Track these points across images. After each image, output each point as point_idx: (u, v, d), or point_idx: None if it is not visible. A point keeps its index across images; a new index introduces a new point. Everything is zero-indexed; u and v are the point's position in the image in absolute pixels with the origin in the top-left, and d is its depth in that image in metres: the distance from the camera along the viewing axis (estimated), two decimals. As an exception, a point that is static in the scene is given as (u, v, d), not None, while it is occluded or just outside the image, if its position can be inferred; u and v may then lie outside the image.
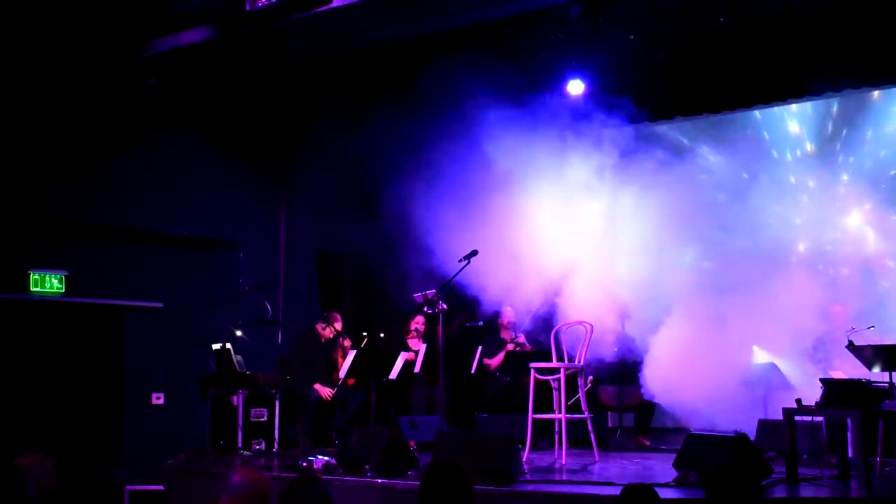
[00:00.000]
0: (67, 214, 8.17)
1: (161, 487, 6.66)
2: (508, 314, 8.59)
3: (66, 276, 8.36)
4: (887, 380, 6.20)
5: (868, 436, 5.45)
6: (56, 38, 7.68)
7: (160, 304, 8.84)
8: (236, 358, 7.99)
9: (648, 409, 8.14)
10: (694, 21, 8.19)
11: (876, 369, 6.38)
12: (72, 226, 8.33)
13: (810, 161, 9.20)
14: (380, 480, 5.74)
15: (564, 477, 6.08)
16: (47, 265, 8.29)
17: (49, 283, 8.29)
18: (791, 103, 8.97)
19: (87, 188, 8.24)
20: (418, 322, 8.66)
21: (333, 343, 8.50)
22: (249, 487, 3.65)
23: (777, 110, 9.26)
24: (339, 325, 8.47)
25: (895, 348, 6.30)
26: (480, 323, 8.85)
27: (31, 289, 8.18)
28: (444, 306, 7.26)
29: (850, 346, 6.54)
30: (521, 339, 8.38)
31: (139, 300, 8.74)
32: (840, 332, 6.91)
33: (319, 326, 8.54)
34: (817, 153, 9.28)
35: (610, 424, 8.52)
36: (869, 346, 6.48)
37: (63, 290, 8.32)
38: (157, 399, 8.81)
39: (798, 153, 9.36)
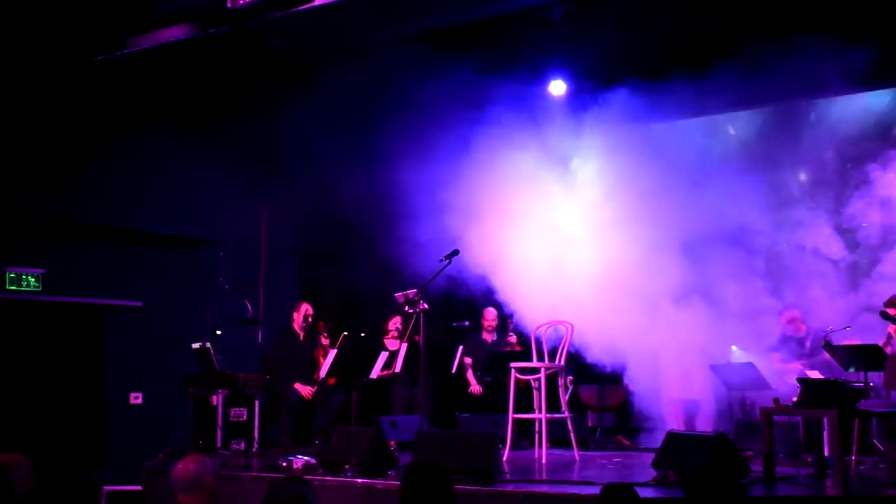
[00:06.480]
0: (45, 212, 8.09)
1: (139, 488, 6.62)
2: (490, 315, 8.61)
3: (42, 275, 8.28)
4: (862, 379, 6.30)
5: (844, 435, 5.51)
6: (37, 35, 7.60)
7: (139, 304, 8.78)
8: (215, 357, 7.96)
9: (628, 408, 8.19)
10: (678, 21, 8.21)
11: (851, 370, 6.47)
12: (49, 223, 8.24)
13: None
14: (360, 480, 5.74)
15: (545, 476, 6.09)
16: (24, 263, 8.21)
17: (25, 282, 8.21)
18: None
19: (65, 185, 8.16)
20: (397, 322, 8.64)
21: (313, 342, 8.49)
22: (186, 473, 3.67)
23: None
24: (308, 310, 8.41)
25: (870, 349, 6.40)
26: (466, 323, 8.86)
27: (7, 287, 8.10)
28: (426, 306, 7.26)
29: (827, 346, 6.62)
30: (513, 339, 8.38)
31: (119, 299, 8.67)
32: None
33: (295, 325, 8.51)
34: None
35: (590, 424, 8.57)
36: (844, 346, 6.57)
37: (40, 289, 8.24)
38: (136, 399, 8.75)
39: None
